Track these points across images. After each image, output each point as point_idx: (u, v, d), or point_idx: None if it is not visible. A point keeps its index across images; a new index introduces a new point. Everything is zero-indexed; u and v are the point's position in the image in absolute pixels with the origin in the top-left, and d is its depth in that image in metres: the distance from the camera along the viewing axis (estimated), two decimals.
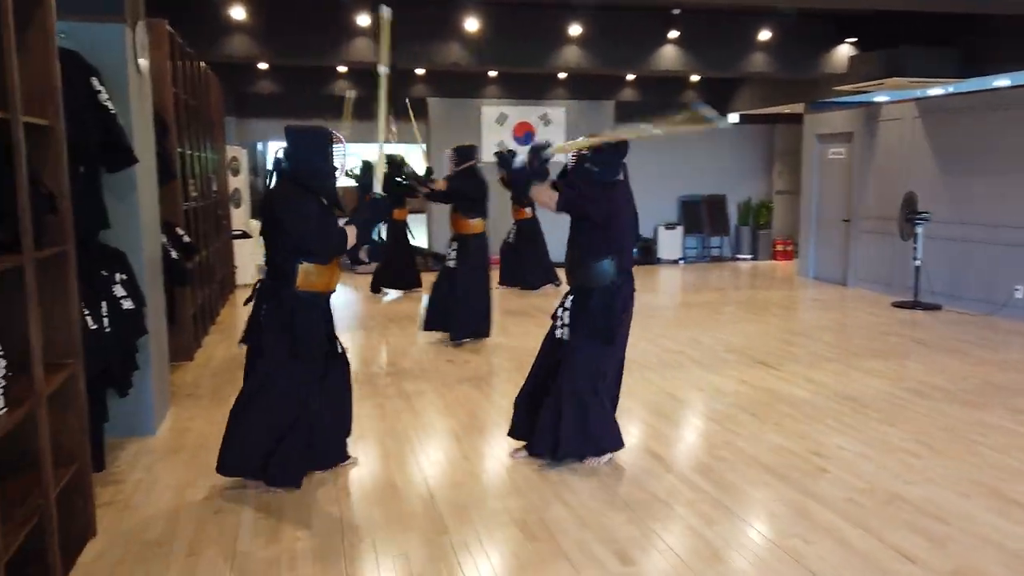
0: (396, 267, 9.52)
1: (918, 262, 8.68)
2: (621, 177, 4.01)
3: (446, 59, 8.77)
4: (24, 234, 2.62)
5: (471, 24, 8.59)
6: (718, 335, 7.25)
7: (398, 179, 8.28)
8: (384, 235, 3.86)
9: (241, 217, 10.83)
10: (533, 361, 4.18)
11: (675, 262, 12.94)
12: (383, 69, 3.66)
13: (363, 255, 3.79)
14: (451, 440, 4.43)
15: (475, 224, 6.86)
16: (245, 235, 10.39)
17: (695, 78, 12.21)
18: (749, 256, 13.36)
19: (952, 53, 8.15)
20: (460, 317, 6.76)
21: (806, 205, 11.32)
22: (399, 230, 9.29)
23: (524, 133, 12.42)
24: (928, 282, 8.74)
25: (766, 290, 10.20)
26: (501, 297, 9.47)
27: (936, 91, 8.91)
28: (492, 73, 11.62)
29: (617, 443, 4.05)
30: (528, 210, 9.85)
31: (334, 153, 3.61)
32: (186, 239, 5.91)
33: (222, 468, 3.63)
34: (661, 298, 9.73)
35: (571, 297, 4.02)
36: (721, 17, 9.20)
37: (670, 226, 13.01)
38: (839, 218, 10.55)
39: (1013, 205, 7.95)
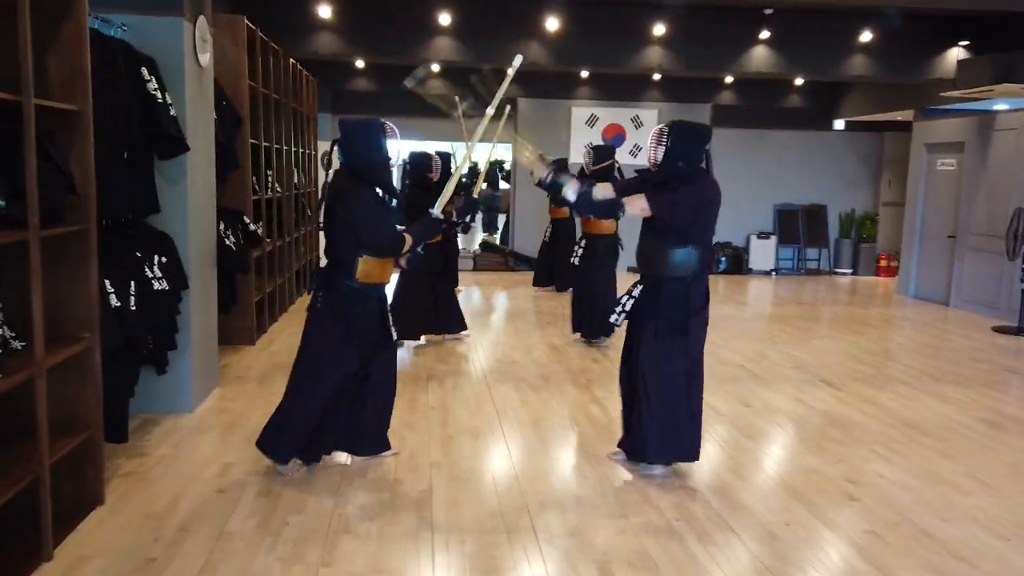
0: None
1: None
2: (704, 165, 3.82)
3: (525, 58, 8.72)
4: (31, 212, 2.77)
5: (551, 23, 8.53)
6: (789, 350, 6.89)
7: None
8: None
9: None
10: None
11: (767, 273, 12.41)
12: (490, 111, 3.73)
13: (403, 262, 3.84)
14: (470, 437, 4.41)
15: (607, 225, 6.77)
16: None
17: (798, 81, 11.68)
18: (849, 271, 12.65)
19: None
20: (595, 317, 6.66)
21: (910, 218, 10.62)
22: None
23: (614, 135, 12.26)
24: None
25: (858, 307, 9.61)
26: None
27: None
28: (583, 74, 11.51)
29: (685, 455, 3.85)
30: (566, 209, 9.54)
31: (387, 144, 3.63)
32: (252, 228, 6.14)
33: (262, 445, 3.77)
34: (741, 309, 9.33)
35: (640, 287, 3.86)
36: (817, 17, 8.74)
37: (763, 235, 12.49)
38: (945, 233, 9.84)
39: None
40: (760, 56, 8.81)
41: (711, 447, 4.35)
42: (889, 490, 3.79)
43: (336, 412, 3.80)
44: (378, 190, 3.66)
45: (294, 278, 8.51)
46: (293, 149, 8.45)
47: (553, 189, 3.85)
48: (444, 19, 8.43)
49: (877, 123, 12.20)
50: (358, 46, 8.68)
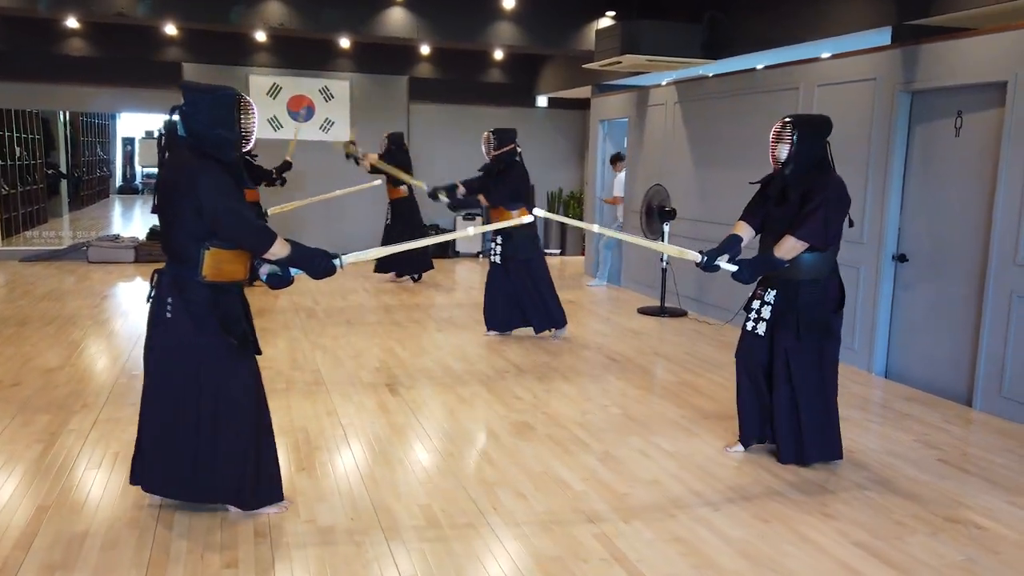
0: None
1: (665, 263, 7.79)
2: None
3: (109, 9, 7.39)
4: None
5: None
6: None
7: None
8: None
9: None
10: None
11: (476, 256, 11.88)
12: None
13: (262, 272, 3.23)
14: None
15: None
16: None
17: (498, 55, 11.15)
18: (557, 251, 12.40)
19: (696, 30, 7.21)
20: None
21: (592, 198, 10.39)
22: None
23: (303, 107, 11.18)
24: (675, 285, 7.86)
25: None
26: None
27: (693, 72, 7.99)
28: (260, 37, 10.29)
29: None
30: (404, 188, 9.01)
31: (243, 120, 3.13)
32: None
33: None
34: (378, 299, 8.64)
35: (773, 292, 3.80)
36: None
37: (470, 217, 11.94)
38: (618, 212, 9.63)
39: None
40: (396, 19, 8.03)
41: None
42: None
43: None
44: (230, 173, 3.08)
45: None
46: None
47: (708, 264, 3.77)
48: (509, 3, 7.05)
49: (580, 100, 11.95)
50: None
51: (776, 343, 3.82)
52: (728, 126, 7.43)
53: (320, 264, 3.20)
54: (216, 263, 3.07)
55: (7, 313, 7.03)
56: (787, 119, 3.72)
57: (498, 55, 11.09)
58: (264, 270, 3.22)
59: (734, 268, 3.72)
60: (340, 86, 11.29)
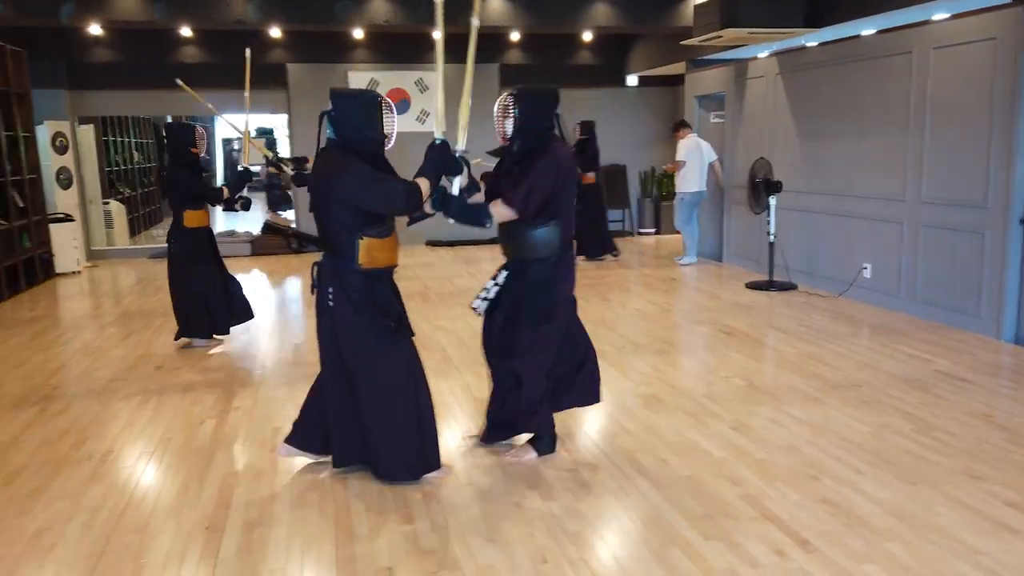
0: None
1: (772, 237, 7.76)
2: (556, 131, 3.65)
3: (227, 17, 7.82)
4: None
5: None
6: None
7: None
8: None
9: (70, 199, 10.08)
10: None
11: None
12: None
13: (428, 207, 3.37)
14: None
15: None
16: (67, 218, 9.64)
17: (587, 37, 11.21)
18: (652, 230, 12.41)
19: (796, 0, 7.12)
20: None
21: None
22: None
23: (399, 100, 11.52)
24: (783, 259, 7.82)
25: (637, 268, 9.28)
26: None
27: (794, 43, 7.88)
28: (358, 34, 10.65)
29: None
30: (592, 175, 9.36)
31: (385, 121, 3.35)
32: None
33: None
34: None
35: (505, 272, 3.65)
36: None
37: None
38: (720, 188, 9.60)
39: (864, 172, 6.99)
40: (493, 7, 8.21)
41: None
42: None
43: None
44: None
45: None
46: None
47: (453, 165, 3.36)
48: None
49: (671, 77, 11.90)
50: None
51: (494, 320, 3.71)
52: (834, 96, 7.33)
53: (444, 158, 3.28)
54: (368, 251, 3.30)
55: (149, 306, 7.58)
56: (511, 92, 3.57)
57: (587, 36, 11.15)
58: (427, 206, 3.36)
59: (454, 191, 3.38)
60: (434, 77, 11.54)
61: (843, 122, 7.21)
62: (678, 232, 9.93)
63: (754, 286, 7.84)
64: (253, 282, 8.95)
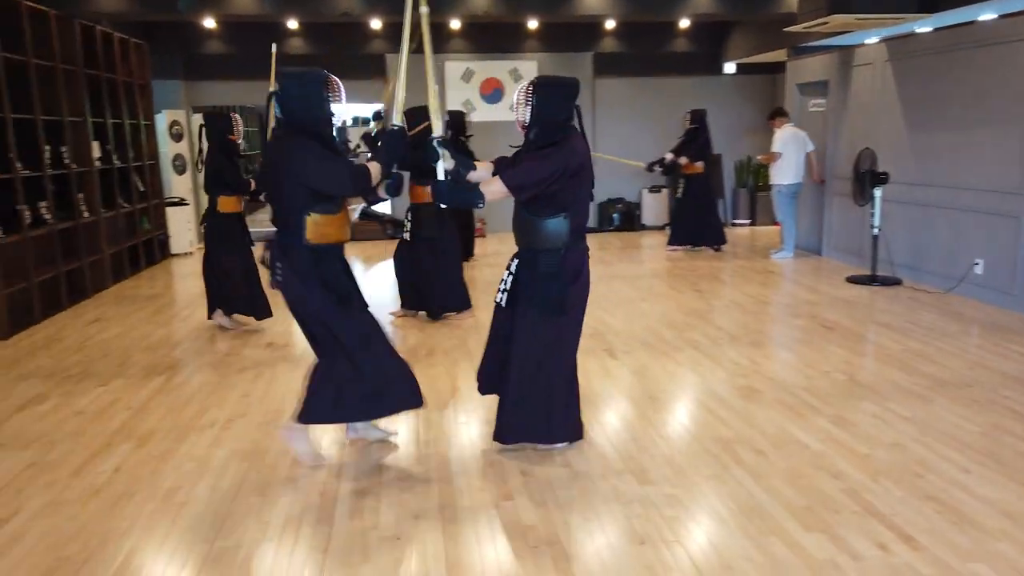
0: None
1: (876, 230, 7.52)
2: (575, 123, 3.57)
3: (333, 10, 8.10)
4: None
5: None
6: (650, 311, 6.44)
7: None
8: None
9: (184, 184, 10.65)
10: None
11: (661, 228, 11.90)
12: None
13: (381, 191, 3.48)
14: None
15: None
16: (182, 202, 10.21)
17: (683, 24, 11.08)
18: (747, 221, 12.17)
19: None
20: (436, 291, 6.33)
21: None
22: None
23: (492, 90, 11.66)
24: (887, 253, 7.57)
25: (735, 261, 9.15)
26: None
27: (904, 29, 7.58)
28: (455, 25, 10.85)
29: None
30: (700, 164, 9.37)
31: (330, 100, 3.35)
32: None
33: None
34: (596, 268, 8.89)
35: (516, 261, 3.64)
36: None
37: (655, 189, 11.97)
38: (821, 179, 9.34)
39: (976, 162, 6.68)
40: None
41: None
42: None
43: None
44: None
45: (108, 260, 7.99)
46: (96, 120, 7.88)
47: (428, 152, 3.40)
48: None
49: (769, 65, 11.62)
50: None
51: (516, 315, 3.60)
52: (949, 84, 7.03)
53: (400, 143, 3.38)
54: (316, 227, 3.31)
55: None
56: (531, 82, 3.50)
57: (684, 24, 11.01)
58: (381, 191, 3.43)
59: (449, 164, 3.43)
60: (528, 66, 11.64)
61: (956, 111, 6.91)
62: (776, 224, 9.72)
63: (856, 280, 7.62)
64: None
